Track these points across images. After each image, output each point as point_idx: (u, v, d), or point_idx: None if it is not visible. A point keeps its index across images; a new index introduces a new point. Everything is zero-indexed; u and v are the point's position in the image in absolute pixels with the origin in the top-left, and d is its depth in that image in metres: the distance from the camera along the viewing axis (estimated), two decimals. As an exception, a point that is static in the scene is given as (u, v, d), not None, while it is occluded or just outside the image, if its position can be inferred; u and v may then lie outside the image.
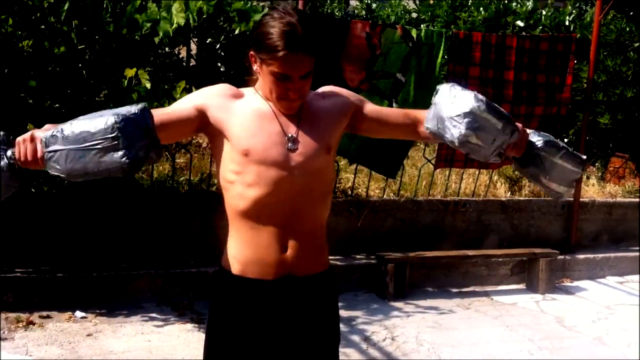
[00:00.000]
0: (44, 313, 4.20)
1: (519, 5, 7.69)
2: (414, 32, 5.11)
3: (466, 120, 1.80)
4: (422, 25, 8.03)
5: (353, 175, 5.55)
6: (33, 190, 4.50)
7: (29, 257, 4.46)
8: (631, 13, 7.80)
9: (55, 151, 1.57)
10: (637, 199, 6.49)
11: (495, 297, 5.30)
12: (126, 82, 4.21)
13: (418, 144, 6.60)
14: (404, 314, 4.75)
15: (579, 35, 6.61)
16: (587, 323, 4.82)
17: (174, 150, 5.26)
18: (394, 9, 9.01)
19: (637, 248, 6.24)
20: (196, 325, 4.23)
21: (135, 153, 1.56)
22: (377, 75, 5.02)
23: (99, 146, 1.54)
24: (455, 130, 1.82)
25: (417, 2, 9.16)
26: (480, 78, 5.31)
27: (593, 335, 4.58)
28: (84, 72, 4.28)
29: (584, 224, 6.16)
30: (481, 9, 7.73)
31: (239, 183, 1.87)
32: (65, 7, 4.16)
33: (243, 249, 1.91)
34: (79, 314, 4.25)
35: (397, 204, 5.50)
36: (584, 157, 2.04)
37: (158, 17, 4.34)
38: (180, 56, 5.62)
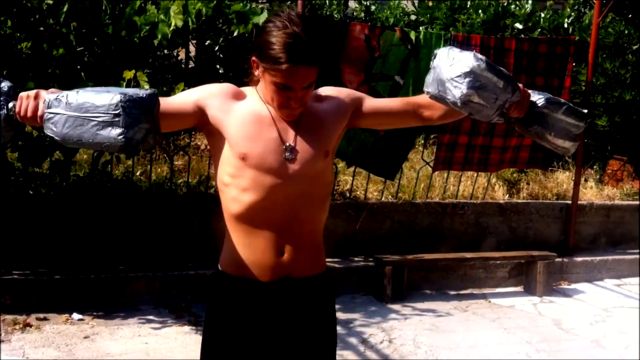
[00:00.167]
0: (41, 315, 4.20)
1: (517, 8, 7.69)
2: (412, 35, 5.12)
3: (467, 79, 1.81)
4: (420, 28, 8.03)
5: (351, 178, 5.55)
6: (31, 192, 4.50)
7: (26, 259, 4.46)
8: (630, 16, 7.81)
9: (56, 114, 1.58)
10: (635, 202, 6.50)
11: (493, 299, 5.31)
12: (125, 84, 4.21)
13: (416, 146, 6.61)
14: (401, 316, 4.75)
15: (577, 37, 6.62)
16: (584, 326, 4.83)
17: (173, 152, 5.26)
18: (392, 11, 9.01)
19: (636, 251, 6.25)
20: (194, 327, 4.23)
21: (132, 134, 1.56)
22: (376, 77, 5.03)
23: (99, 119, 1.55)
24: (457, 91, 1.82)
25: (416, 4, 9.16)
26: (478, 81, 5.31)
27: (591, 338, 4.59)
28: (83, 74, 4.28)
29: (582, 226, 6.16)
30: (480, 11, 7.74)
31: (234, 187, 1.87)
32: (64, 9, 4.16)
33: (239, 251, 1.90)
34: (76, 316, 4.24)
35: (395, 207, 5.50)
36: (585, 110, 2.06)
37: (156, 20, 4.34)
38: (179, 58, 5.63)
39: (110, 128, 1.55)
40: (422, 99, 2.01)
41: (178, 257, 4.83)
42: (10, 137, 1.71)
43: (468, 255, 5.44)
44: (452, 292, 5.38)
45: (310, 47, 1.75)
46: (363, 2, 9.48)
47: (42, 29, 4.23)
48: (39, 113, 1.61)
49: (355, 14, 9.53)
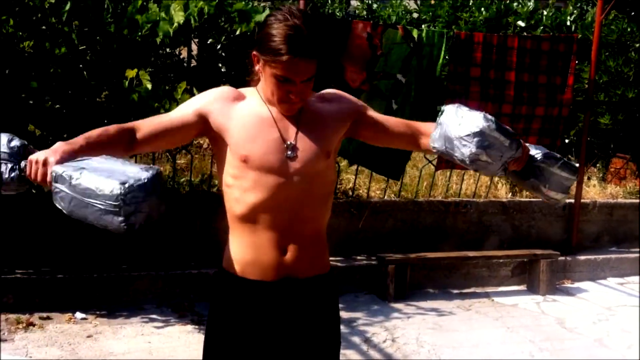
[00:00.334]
0: (44, 314, 4.20)
1: (520, 6, 7.68)
2: (415, 33, 5.10)
3: (476, 139, 1.88)
4: (423, 26, 8.02)
5: (354, 177, 5.54)
6: (34, 191, 4.50)
7: (29, 258, 4.46)
8: (632, 13, 7.80)
9: (62, 190, 1.62)
10: (638, 200, 6.48)
11: (496, 298, 5.30)
12: (127, 82, 4.21)
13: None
14: (404, 315, 4.75)
15: (580, 35, 6.60)
16: (587, 324, 4.82)
17: (175, 151, 5.26)
18: (394, 9, 8.99)
19: (638, 249, 6.24)
20: (196, 326, 4.23)
21: (134, 220, 1.58)
22: (378, 75, 5.02)
23: (101, 206, 1.58)
24: (465, 150, 1.90)
25: (418, 2, 9.14)
26: (481, 79, 5.31)
27: (594, 337, 4.58)
28: (85, 73, 4.28)
29: (585, 225, 6.15)
30: (482, 9, 7.73)
31: (237, 188, 1.87)
32: (67, 8, 4.16)
33: (243, 251, 1.90)
34: (79, 315, 4.24)
35: (398, 205, 5.49)
36: (577, 165, 2.25)
37: (158, 18, 4.33)
38: (181, 57, 5.62)
39: (112, 215, 1.58)
40: (423, 126, 2.05)
41: (181, 256, 4.83)
42: (25, 189, 1.75)
43: (471, 254, 5.44)
44: (455, 291, 5.38)
45: (311, 39, 1.77)
46: (365, 0, 9.47)
47: (44, 28, 4.22)
48: (48, 179, 1.64)
49: (357, 12, 9.52)
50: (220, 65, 5.40)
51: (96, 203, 1.58)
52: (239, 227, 1.90)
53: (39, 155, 1.66)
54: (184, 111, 1.89)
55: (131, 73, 4.17)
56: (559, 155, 2.11)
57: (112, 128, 1.81)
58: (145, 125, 1.86)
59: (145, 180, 1.59)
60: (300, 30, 1.75)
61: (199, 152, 5.82)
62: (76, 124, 4.27)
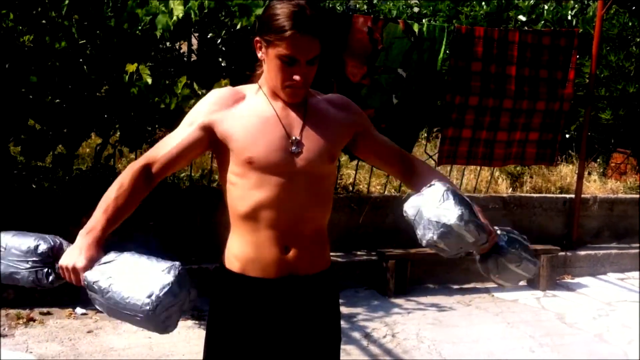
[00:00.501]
0: (45, 309, 4.20)
1: (521, 0, 7.66)
2: (415, 27, 5.09)
3: (442, 230, 1.84)
4: (424, 20, 8.00)
5: (354, 172, 5.53)
6: (34, 186, 4.49)
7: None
8: (634, 8, 7.77)
9: (96, 299, 1.72)
10: (639, 195, 6.48)
11: (496, 293, 5.30)
12: (127, 77, 4.20)
13: (420, 139, 6.58)
14: (404, 310, 4.75)
15: (581, 30, 6.58)
16: (588, 320, 4.82)
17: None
18: (395, 3, 8.98)
19: (638, 245, 6.23)
20: (197, 322, 4.23)
21: (169, 323, 1.69)
22: (379, 70, 5.00)
23: (134, 317, 1.67)
24: (427, 233, 1.86)
25: (419, -4, 9.12)
26: (482, 73, 5.30)
27: (594, 332, 4.58)
28: (85, 67, 4.27)
29: (586, 220, 6.15)
30: (483, 3, 7.71)
31: (241, 186, 1.86)
32: (66, 2, 4.14)
33: (244, 248, 1.90)
34: (79, 310, 4.24)
35: (399, 200, 5.47)
36: (538, 263, 2.14)
37: (157, 12, 4.32)
38: (182, 51, 5.59)
39: (148, 324, 1.68)
40: (418, 166, 2.09)
41: (181, 251, 4.82)
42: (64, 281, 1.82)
43: (471, 249, 5.42)
44: (455, 286, 5.38)
45: (315, 17, 1.78)
46: (365, -6, 9.44)
47: (44, 22, 4.21)
48: (83, 285, 1.75)
49: (357, 6, 9.49)
50: (220, 59, 5.37)
51: (129, 312, 1.67)
52: (241, 225, 1.89)
53: (68, 262, 1.75)
54: (190, 130, 1.87)
55: (131, 67, 4.15)
56: (524, 255, 2.01)
57: (126, 180, 1.84)
58: (158, 158, 1.88)
59: (170, 285, 1.66)
60: (304, 9, 1.76)
61: (199, 147, 5.80)
62: (76, 119, 4.27)
